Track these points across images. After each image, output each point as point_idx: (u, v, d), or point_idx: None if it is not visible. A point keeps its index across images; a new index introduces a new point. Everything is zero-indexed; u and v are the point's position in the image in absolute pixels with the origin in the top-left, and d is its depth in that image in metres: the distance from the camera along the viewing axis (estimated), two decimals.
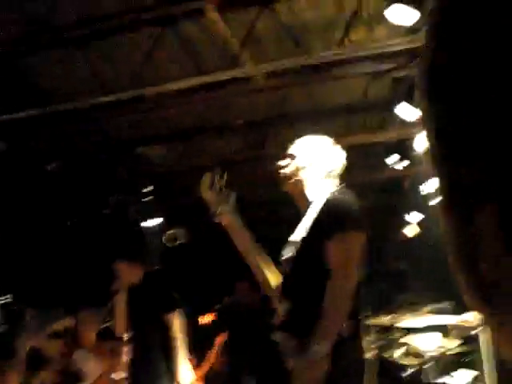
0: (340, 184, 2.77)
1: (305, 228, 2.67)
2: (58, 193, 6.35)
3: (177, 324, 4.80)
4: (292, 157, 2.81)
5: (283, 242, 2.79)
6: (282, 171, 2.80)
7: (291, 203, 2.86)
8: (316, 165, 2.77)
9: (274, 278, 2.86)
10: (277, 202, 8.30)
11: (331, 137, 2.86)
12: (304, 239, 2.64)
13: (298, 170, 2.77)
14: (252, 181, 7.15)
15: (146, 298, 4.85)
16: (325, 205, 2.62)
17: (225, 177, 2.73)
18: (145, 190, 6.89)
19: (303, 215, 2.73)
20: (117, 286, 4.95)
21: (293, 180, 2.78)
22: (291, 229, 2.78)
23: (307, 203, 2.72)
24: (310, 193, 2.75)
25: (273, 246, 2.90)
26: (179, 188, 7.50)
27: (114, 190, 6.97)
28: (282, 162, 2.81)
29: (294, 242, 2.71)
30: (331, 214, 2.56)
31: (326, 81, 5.46)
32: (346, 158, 2.84)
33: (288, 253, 2.73)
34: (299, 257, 2.66)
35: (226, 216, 2.73)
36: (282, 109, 5.72)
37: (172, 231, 7.62)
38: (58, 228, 6.86)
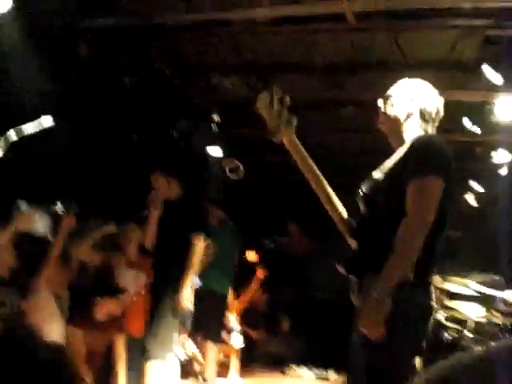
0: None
1: (387, 167, 2.64)
2: (131, 108, 6.41)
3: (197, 247, 4.85)
4: (389, 97, 2.79)
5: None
6: (380, 109, 2.80)
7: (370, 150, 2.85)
8: (412, 106, 2.74)
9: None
10: (347, 149, 8.31)
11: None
12: (384, 178, 2.61)
13: (394, 109, 2.75)
14: (329, 125, 7.12)
15: (176, 215, 4.85)
16: (411, 145, 2.58)
17: (287, 99, 2.65)
18: (215, 119, 6.90)
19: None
20: (152, 197, 4.98)
21: (388, 120, 2.77)
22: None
23: (401, 145, 2.70)
24: (404, 134, 2.73)
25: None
26: (246, 121, 7.50)
27: (184, 114, 7.02)
28: (379, 102, 2.80)
29: (373, 180, 2.68)
30: (415, 155, 2.52)
31: (415, 30, 5.30)
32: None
33: (365, 190, 2.70)
34: (375, 195, 2.63)
35: (288, 134, 2.67)
36: (368, 55, 5.60)
37: (233, 163, 7.71)
38: (123, 142, 6.96)
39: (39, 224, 4.74)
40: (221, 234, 6.28)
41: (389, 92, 2.81)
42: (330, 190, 2.81)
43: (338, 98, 6.49)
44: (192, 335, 6.41)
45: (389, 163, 2.66)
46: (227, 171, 7.56)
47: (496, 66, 5.33)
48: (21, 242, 4.50)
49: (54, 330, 4.36)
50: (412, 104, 2.73)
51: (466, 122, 6.29)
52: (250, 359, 7.77)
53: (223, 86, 6.65)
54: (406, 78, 2.85)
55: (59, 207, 4.62)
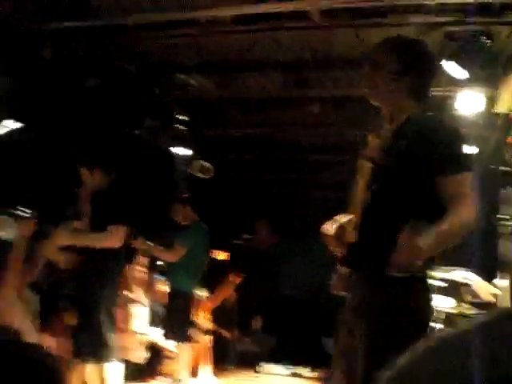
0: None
1: (392, 153, 2.40)
2: (94, 109, 6.35)
3: None
4: (378, 62, 2.50)
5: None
6: (367, 79, 2.54)
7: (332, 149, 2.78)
8: (409, 72, 2.45)
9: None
10: (315, 145, 8.36)
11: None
12: (396, 167, 2.36)
13: (388, 76, 2.46)
14: (291, 121, 7.14)
15: (100, 206, 4.54)
16: (429, 132, 2.35)
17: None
18: (179, 118, 6.88)
19: (388, 134, 2.51)
20: (81, 191, 4.71)
21: (381, 90, 2.49)
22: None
23: (398, 121, 2.48)
24: (401, 108, 2.48)
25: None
26: (213, 120, 7.50)
27: (149, 113, 6.97)
28: (365, 68, 2.53)
29: (376, 168, 2.46)
30: (448, 150, 2.31)
31: (376, 27, 5.34)
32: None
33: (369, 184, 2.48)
34: (385, 186, 2.42)
35: None
36: (329, 50, 5.63)
37: (201, 162, 7.70)
38: (88, 140, 6.87)
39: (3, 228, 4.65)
40: (192, 234, 6.26)
41: (378, 54, 2.53)
42: None
43: (303, 95, 6.52)
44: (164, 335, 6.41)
45: (388, 148, 2.43)
46: (195, 170, 7.55)
47: (457, 62, 5.39)
48: None
49: (26, 332, 4.29)
50: (410, 70, 2.45)
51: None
52: (223, 358, 7.76)
53: (188, 85, 6.64)
54: (400, 35, 2.63)
55: (21, 210, 4.54)
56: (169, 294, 6.42)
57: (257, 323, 8.89)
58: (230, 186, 9.67)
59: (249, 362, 8.10)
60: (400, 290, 2.25)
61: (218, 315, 7.78)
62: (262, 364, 8.07)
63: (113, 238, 4.36)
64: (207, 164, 7.54)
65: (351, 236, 2.48)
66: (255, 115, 6.98)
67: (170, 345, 6.47)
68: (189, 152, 7.28)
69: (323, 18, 4.83)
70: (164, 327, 6.41)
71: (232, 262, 8.63)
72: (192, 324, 6.47)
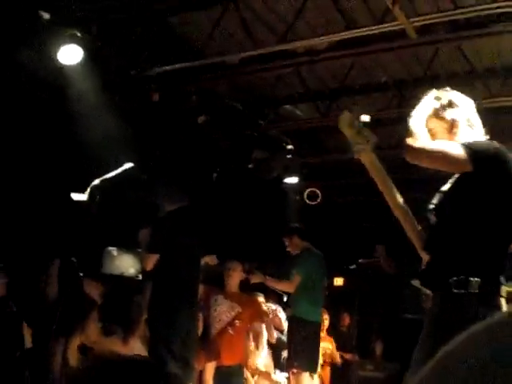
0: None
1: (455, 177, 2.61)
2: (205, 145, 6.61)
3: None
4: (453, 105, 2.74)
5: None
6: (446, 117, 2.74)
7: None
8: (468, 115, 2.72)
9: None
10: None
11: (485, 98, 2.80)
12: (451, 189, 2.59)
13: (457, 118, 2.71)
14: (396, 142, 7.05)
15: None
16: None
17: (367, 118, 2.69)
18: (287, 147, 7.00)
19: None
20: None
21: (453, 128, 2.73)
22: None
23: None
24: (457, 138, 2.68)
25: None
26: (321, 146, 7.57)
27: (258, 145, 7.14)
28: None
29: (442, 192, 2.67)
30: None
31: (478, 38, 5.22)
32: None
33: (434, 203, 2.69)
34: (442, 207, 2.62)
35: (367, 153, 2.68)
36: (432, 67, 5.56)
37: (312, 189, 7.77)
38: (203, 179, 7.14)
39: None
40: (304, 262, 6.25)
41: (453, 99, 2.76)
42: (406, 207, 2.81)
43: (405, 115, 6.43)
44: (286, 365, 6.39)
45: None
46: (305, 198, 7.62)
47: None
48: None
49: None
50: (468, 115, 2.73)
51: None
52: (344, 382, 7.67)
53: (293, 115, 6.77)
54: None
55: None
56: (292, 323, 6.36)
57: (378, 348, 8.71)
58: (338, 211, 9.63)
59: None
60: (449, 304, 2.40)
61: (338, 340, 7.73)
62: None
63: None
64: (315, 190, 7.60)
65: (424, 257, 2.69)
66: None
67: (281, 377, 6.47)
68: (296, 180, 7.37)
69: (420, 35, 4.80)
70: (289, 356, 6.32)
71: (350, 287, 8.55)
72: (318, 353, 6.40)
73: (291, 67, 5.77)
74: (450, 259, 2.46)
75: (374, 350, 8.69)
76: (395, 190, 2.77)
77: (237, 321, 5.56)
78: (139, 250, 5.42)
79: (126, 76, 5.42)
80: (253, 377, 6.34)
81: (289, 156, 7.06)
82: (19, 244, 5.64)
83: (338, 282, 9.66)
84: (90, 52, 4.90)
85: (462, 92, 2.82)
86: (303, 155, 7.44)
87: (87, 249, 4.80)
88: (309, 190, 7.58)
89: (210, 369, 5.40)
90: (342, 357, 7.76)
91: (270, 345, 6.62)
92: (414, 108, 2.84)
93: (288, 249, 6.37)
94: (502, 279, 2.48)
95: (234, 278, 5.69)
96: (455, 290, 2.37)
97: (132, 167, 4.59)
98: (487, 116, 2.89)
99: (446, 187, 2.65)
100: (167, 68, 5.47)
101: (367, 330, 8.59)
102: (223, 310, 5.58)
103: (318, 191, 7.57)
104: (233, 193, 7.04)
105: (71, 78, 5.06)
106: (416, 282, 2.71)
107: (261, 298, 6.78)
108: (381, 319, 8.83)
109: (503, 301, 2.46)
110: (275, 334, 6.77)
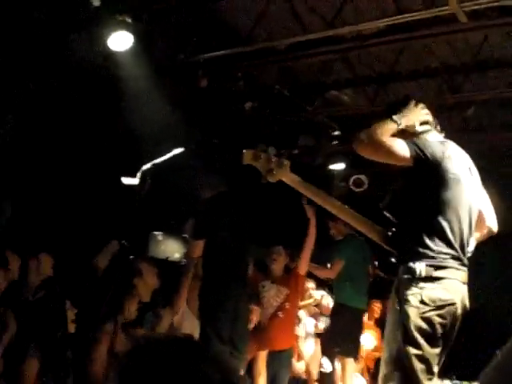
0: None
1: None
2: (252, 131, 6.63)
3: None
4: None
5: None
6: None
7: None
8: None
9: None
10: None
11: None
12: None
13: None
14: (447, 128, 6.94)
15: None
16: None
17: (270, 150, 2.85)
18: (335, 133, 6.97)
19: None
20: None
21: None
22: None
23: None
24: None
25: None
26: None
27: (303, 131, 7.13)
28: None
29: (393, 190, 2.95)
30: None
31: None
32: None
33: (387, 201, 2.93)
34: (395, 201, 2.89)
35: (285, 175, 2.83)
36: (482, 52, 5.44)
37: (357, 176, 7.72)
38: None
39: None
40: (345, 247, 6.23)
41: None
42: (352, 211, 2.91)
43: (459, 101, 6.32)
44: (328, 350, 6.42)
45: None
46: (351, 184, 7.58)
47: None
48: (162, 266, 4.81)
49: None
50: None
51: None
52: None
53: (340, 101, 6.73)
54: None
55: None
56: (336, 309, 6.36)
57: None
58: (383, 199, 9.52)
59: None
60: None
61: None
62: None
63: None
64: (362, 177, 7.54)
65: None
66: None
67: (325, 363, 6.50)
68: (342, 167, 7.33)
69: (470, 19, 4.70)
70: (330, 341, 6.35)
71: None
72: (359, 339, 6.38)
73: (339, 53, 5.72)
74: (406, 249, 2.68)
75: None
76: (334, 200, 2.93)
77: (286, 303, 5.58)
78: (185, 236, 5.48)
79: (174, 62, 5.46)
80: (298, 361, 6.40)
81: (336, 142, 7.03)
82: (70, 226, 5.78)
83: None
84: (140, 38, 4.96)
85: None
86: (351, 141, 7.37)
87: (135, 233, 4.88)
88: (355, 176, 7.52)
89: (262, 357, 5.42)
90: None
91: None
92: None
93: (331, 232, 6.33)
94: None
95: (279, 262, 5.70)
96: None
97: (182, 152, 4.63)
98: None
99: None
100: (215, 54, 5.51)
101: None
102: (271, 295, 5.60)
103: (365, 178, 7.50)
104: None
105: (121, 64, 5.14)
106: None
107: (311, 284, 6.81)
108: None
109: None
110: (324, 321, 6.80)
